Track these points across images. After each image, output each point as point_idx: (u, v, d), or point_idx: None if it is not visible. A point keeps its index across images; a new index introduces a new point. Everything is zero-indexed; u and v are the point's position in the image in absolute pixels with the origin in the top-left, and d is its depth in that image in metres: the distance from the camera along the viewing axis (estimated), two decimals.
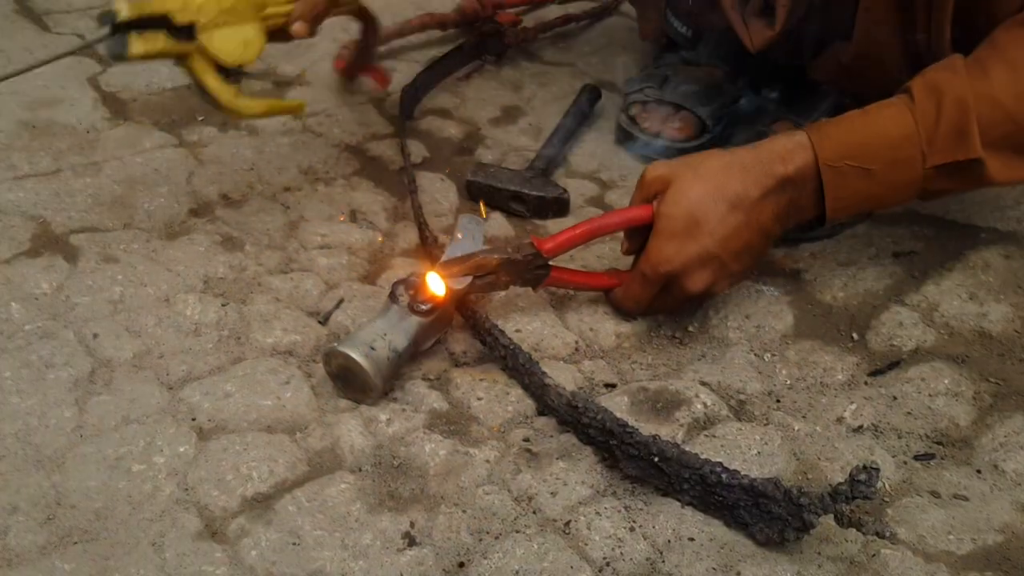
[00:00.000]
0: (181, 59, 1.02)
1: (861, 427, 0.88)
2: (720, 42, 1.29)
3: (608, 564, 0.74)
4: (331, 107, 1.36)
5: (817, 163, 0.91)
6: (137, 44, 0.97)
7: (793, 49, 1.15)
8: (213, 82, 1.03)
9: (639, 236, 0.96)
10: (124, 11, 0.96)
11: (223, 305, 0.98)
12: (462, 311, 0.96)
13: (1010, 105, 0.89)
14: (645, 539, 0.76)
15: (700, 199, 0.91)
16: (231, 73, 1.05)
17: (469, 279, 0.91)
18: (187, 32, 1.00)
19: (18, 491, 0.77)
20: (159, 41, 0.98)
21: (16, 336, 0.92)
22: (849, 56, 1.08)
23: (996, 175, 0.91)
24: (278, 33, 1.13)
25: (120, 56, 0.97)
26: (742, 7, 1.11)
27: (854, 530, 0.71)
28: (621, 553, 0.74)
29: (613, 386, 0.92)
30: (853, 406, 0.90)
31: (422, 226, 1.08)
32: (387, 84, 1.39)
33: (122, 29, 0.96)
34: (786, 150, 0.92)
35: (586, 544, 0.75)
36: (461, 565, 0.74)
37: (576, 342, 0.97)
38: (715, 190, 0.91)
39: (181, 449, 0.82)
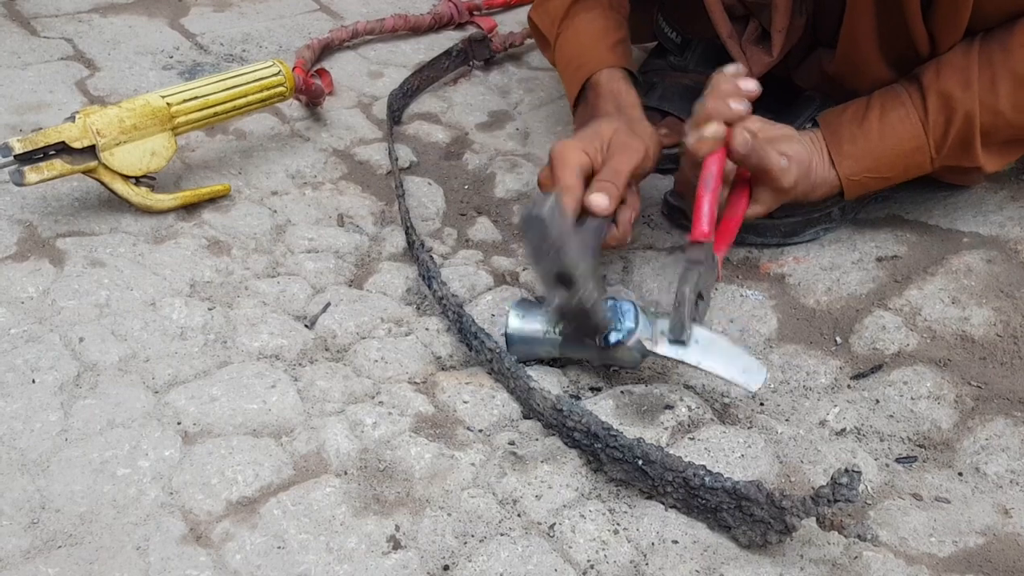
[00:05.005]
0: (87, 173, 1.07)
1: (844, 430, 0.88)
2: (709, 49, 1.30)
3: (592, 567, 0.74)
4: (318, 112, 1.36)
5: (839, 177, 1.03)
6: (32, 175, 1.03)
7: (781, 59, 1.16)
8: (122, 188, 1.09)
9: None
10: (17, 147, 1.01)
11: (209, 309, 0.98)
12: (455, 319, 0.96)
13: (1011, 116, 0.99)
14: (629, 542, 0.76)
15: None
16: (141, 177, 1.10)
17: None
18: (90, 150, 1.05)
19: (2, 495, 0.77)
20: (55, 167, 1.04)
21: (2, 340, 0.92)
22: (832, 66, 1.10)
23: (987, 167, 1.03)
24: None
25: (20, 184, 1.03)
26: (739, 36, 1.12)
27: (836, 533, 0.71)
28: (605, 556, 0.75)
29: (598, 390, 0.92)
30: (836, 409, 0.90)
31: (409, 230, 1.09)
32: (331, 87, 1.42)
33: (23, 159, 1.02)
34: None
35: (570, 547, 0.75)
36: (446, 568, 0.74)
37: None
38: None
39: (166, 453, 0.82)
